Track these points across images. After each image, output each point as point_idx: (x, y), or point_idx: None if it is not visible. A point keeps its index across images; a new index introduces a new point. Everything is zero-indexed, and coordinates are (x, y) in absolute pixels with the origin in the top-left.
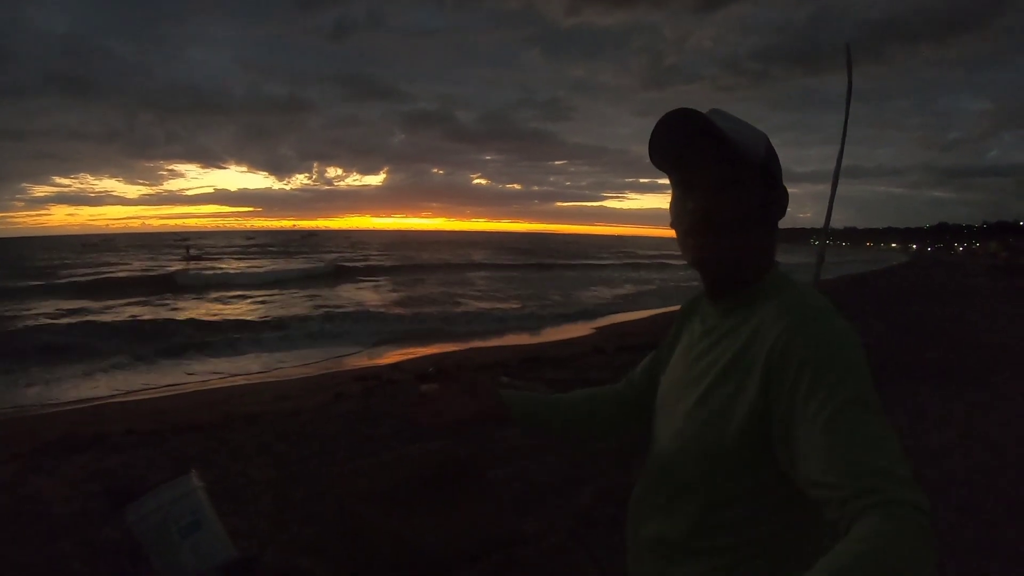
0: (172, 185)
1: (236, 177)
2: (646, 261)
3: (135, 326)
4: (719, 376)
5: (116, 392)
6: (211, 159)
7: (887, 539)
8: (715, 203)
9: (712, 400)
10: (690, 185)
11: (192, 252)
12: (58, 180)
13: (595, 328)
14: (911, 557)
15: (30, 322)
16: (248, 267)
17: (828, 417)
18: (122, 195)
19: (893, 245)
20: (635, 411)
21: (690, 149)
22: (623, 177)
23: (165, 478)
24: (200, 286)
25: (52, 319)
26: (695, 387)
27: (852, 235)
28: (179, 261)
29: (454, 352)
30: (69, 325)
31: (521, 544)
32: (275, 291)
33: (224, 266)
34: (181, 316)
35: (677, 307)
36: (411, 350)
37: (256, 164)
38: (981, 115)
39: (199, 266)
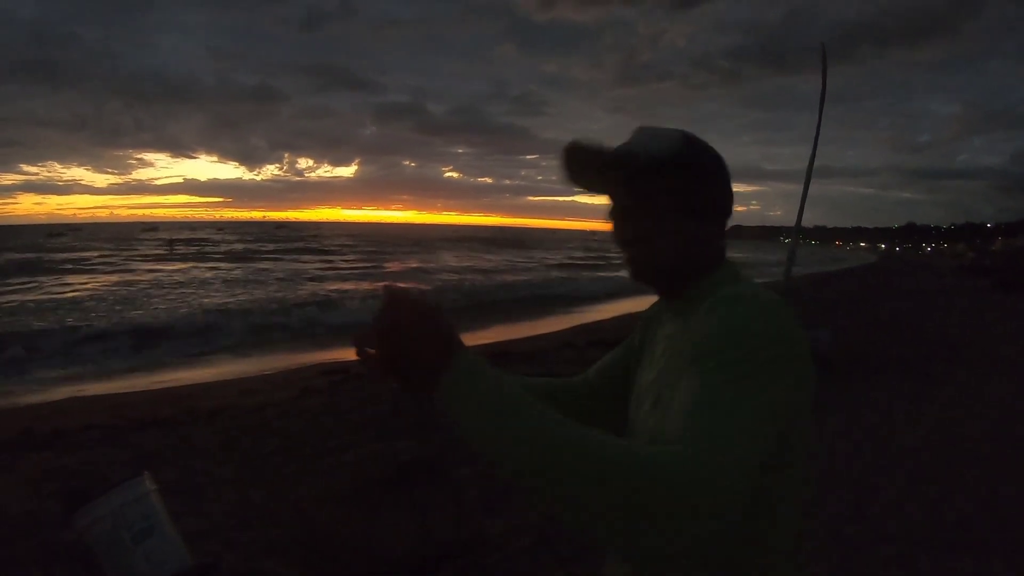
0: (141, 174)
1: (206, 167)
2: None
3: None
4: (666, 379)
5: (77, 387)
6: (181, 148)
7: (628, 451)
8: (628, 220)
9: (660, 404)
10: (608, 205)
11: (176, 247)
12: (25, 168)
13: (565, 323)
14: (638, 461)
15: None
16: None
17: (696, 385)
18: (90, 184)
19: (862, 244)
20: (585, 408)
21: (587, 179)
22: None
23: (121, 478)
24: None
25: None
26: (649, 393)
27: (822, 234)
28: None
29: None
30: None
31: (486, 547)
32: None
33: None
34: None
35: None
36: None
37: (226, 154)
38: (951, 118)
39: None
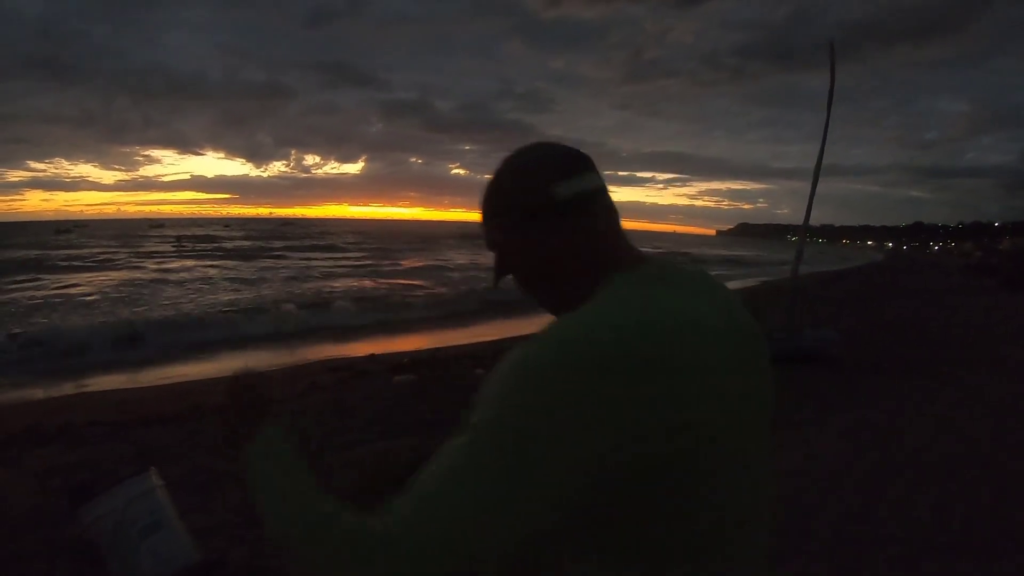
0: (148, 171)
1: (213, 163)
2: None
3: None
4: None
5: (82, 383)
6: (188, 145)
7: (348, 528)
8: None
9: None
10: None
11: (186, 242)
12: (32, 165)
13: None
14: (349, 529)
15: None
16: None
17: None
18: (97, 180)
19: (869, 243)
20: None
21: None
22: (601, 170)
23: (127, 474)
24: None
25: None
26: None
27: (829, 232)
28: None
29: (429, 344)
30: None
31: None
32: None
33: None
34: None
35: None
36: (386, 341)
37: (233, 150)
38: (959, 117)
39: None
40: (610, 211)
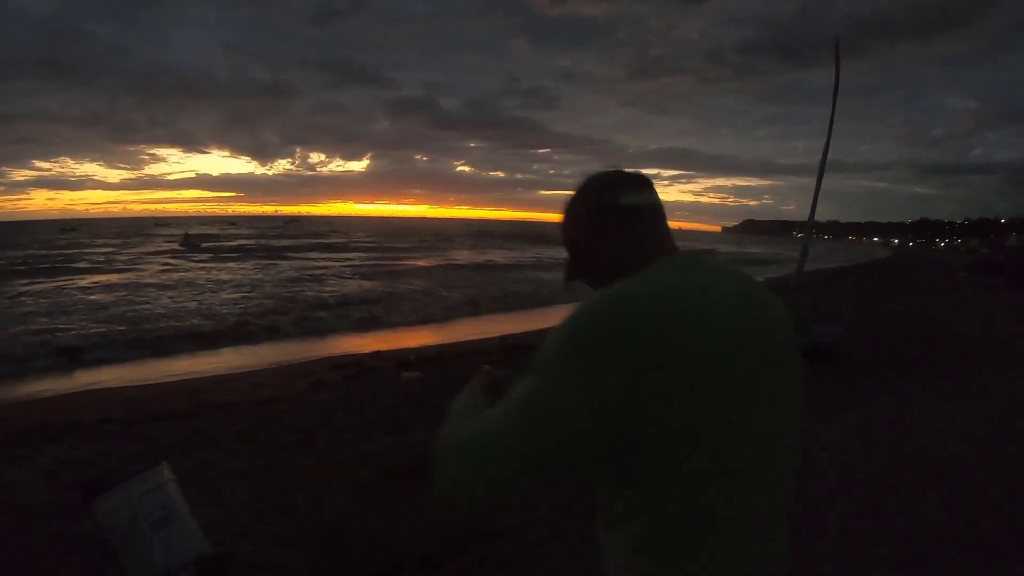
0: (153, 169)
1: (218, 162)
2: None
3: None
4: None
5: (90, 381)
6: (193, 143)
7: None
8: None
9: None
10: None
11: (193, 240)
12: (38, 164)
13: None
14: (461, 431)
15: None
16: None
17: None
18: (103, 179)
19: (875, 239)
20: None
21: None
22: (607, 167)
23: (137, 469)
24: None
25: None
26: None
27: (835, 229)
28: (179, 247)
29: (436, 341)
30: None
31: (502, 538)
32: None
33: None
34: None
35: None
36: (391, 335)
37: (238, 149)
38: (965, 113)
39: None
40: (661, 217)
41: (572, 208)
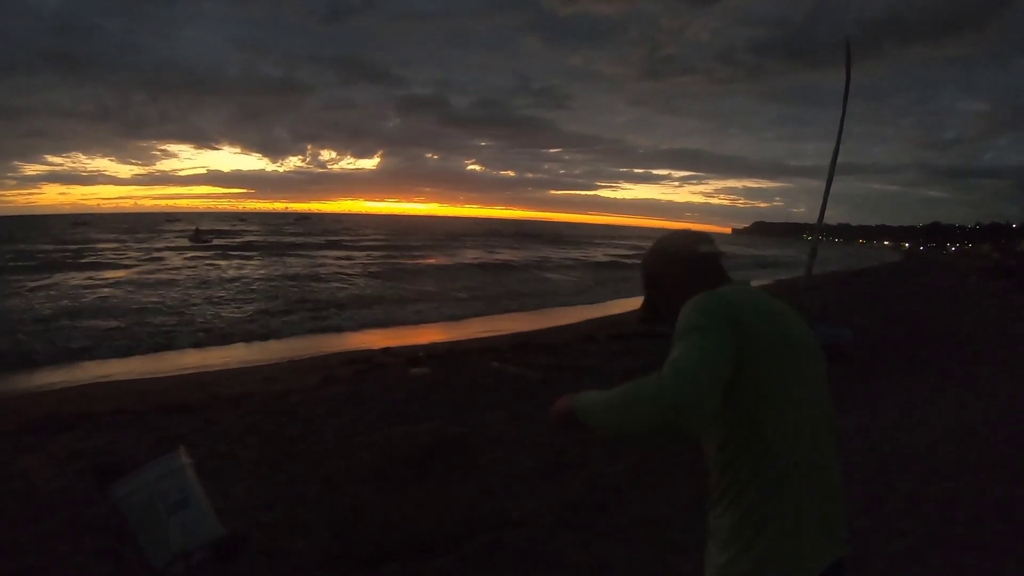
0: (165, 165)
1: (229, 158)
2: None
3: None
4: None
5: (103, 372)
6: (204, 140)
7: (638, 382)
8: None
9: None
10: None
11: (203, 235)
12: (50, 159)
13: (585, 316)
14: (639, 390)
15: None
16: None
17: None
18: (114, 175)
19: (886, 243)
20: None
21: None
22: (617, 167)
23: (152, 455)
24: None
25: None
26: None
27: (846, 232)
28: (189, 242)
29: (446, 338)
30: None
31: (509, 527)
32: None
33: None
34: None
35: None
36: (401, 332)
37: (250, 145)
38: (978, 116)
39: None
40: (722, 259)
41: (662, 260)
